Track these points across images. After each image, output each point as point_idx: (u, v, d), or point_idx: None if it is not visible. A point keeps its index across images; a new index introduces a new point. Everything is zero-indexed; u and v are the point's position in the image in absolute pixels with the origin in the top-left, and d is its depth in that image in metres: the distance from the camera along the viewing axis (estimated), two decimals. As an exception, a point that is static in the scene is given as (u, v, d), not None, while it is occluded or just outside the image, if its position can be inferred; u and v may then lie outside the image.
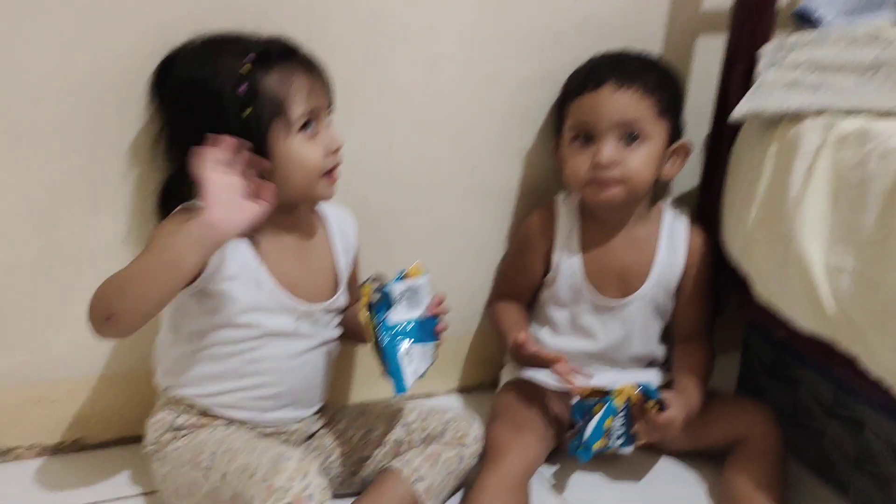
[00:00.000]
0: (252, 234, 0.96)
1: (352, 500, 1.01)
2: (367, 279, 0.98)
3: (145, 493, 1.05)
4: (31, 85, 0.97)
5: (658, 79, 1.15)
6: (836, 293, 0.93)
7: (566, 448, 1.16)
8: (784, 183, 0.99)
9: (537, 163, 1.27)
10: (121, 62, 1.00)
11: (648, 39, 1.25)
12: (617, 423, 1.09)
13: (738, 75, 1.14)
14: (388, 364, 0.96)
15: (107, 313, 0.86)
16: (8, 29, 0.95)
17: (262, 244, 0.99)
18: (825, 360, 1.03)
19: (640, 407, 1.08)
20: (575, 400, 1.11)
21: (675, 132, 1.17)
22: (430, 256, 1.24)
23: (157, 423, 1.01)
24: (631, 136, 1.12)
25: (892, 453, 1.06)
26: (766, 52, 1.10)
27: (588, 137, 1.14)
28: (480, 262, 1.30)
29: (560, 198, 1.22)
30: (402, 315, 0.97)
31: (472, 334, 1.34)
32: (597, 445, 1.09)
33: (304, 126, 0.95)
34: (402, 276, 0.97)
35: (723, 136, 1.18)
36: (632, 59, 1.17)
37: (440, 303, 1.01)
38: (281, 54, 0.95)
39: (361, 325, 0.96)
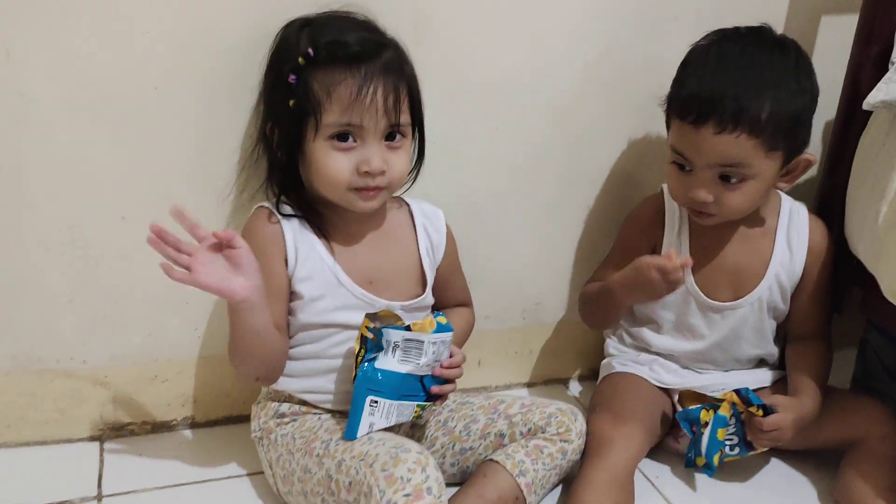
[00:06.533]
0: (325, 231, 0.98)
1: (453, 490, 1.01)
2: (374, 312, 0.95)
3: (251, 474, 1.07)
4: (145, 72, 0.99)
5: (773, 104, 0.99)
6: (981, 299, 0.86)
7: (669, 449, 1.13)
8: (922, 179, 0.92)
9: (641, 150, 1.23)
10: (234, 51, 1.00)
11: (769, 21, 1.18)
12: (729, 433, 1.05)
13: (870, 60, 1.07)
14: (352, 404, 0.94)
15: (254, 379, 1.00)
16: (127, 16, 0.96)
17: (335, 241, 0.99)
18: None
19: (748, 413, 1.04)
20: (679, 409, 1.09)
21: (795, 149, 1.05)
22: (528, 240, 1.24)
23: (262, 410, 1.03)
24: (730, 178, 1.03)
25: None
26: (904, 36, 1.02)
27: (684, 166, 1.06)
28: (578, 246, 1.27)
29: (667, 190, 1.17)
30: (389, 363, 0.93)
31: (569, 322, 1.31)
32: (716, 459, 1.06)
33: (341, 137, 0.93)
34: (406, 327, 0.93)
35: (850, 124, 1.11)
36: (744, 77, 1.00)
37: (451, 367, 0.96)
38: (346, 57, 0.91)
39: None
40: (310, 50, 0.91)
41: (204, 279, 0.86)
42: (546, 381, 1.34)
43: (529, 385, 1.33)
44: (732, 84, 1.00)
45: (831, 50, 1.19)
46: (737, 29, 1.08)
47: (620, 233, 1.21)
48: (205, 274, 0.86)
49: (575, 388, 1.33)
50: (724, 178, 1.03)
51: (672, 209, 1.15)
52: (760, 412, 1.03)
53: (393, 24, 0.99)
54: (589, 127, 1.20)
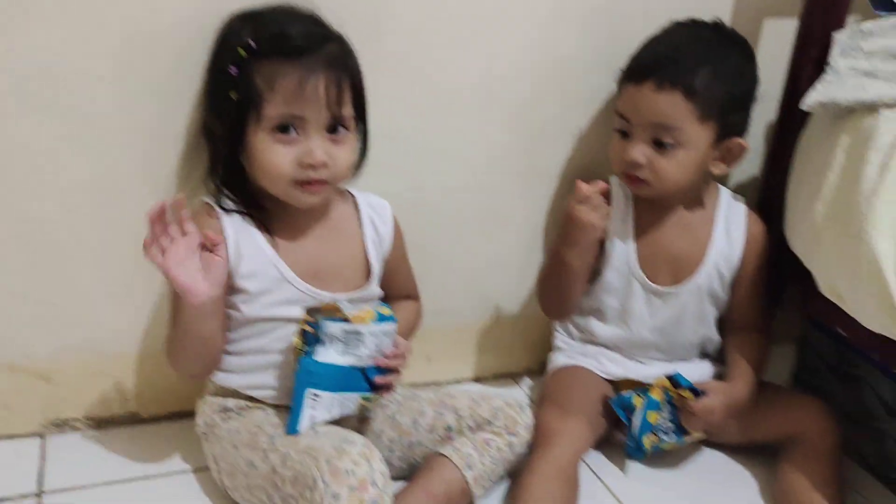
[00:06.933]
0: (267, 225, 0.98)
1: (400, 483, 1.01)
2: (315, 306, 0.95)
3: (196, 470, 1.06)
4: (93, 62, 0.97)
5: (712, 76, 1.06)
6: (909, 294, 0.89)
7: (615, 441, 1.15)
8: (856, 177, 0.95)
9: (594, 145, 1.25)
10: (183, 42, 0.99)
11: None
12: (662, 418, 1.08)
13: (809, 62, 1.10)
14: (293, 398, 0.93)
15: (190, 375, 1.02)
16: (78, 7, 0.95)
17: (278, 234, 0.99)
18: (891, 359, 1.00)
19: (679, 397, 1.07)
20: (613, 396, 1.12)
21: (729, 129, 1.10)
22: (481, 236, 1.25)
23: (208, 404, 1.03)
24: (663, 141, 1.08)
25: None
26: (841, 39, 1.05)
27: (625, 130, 1.11)
28: (531, 244, 1.28)
29: (614, 180, 1.19)
30: (330, 356, 0.93)
31: (519, 318, 1.33)
32: (647, 442, 1.08)
33: (283, 129, 0.93)
34: (345, 319, 0.93)
35: (790, 124, 1.14)
36: (689, 48, 1.09)
37: (395, 357, 0.97)
38: (288, 50, 0.91)
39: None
40: (251, 42, 0.91)
41: (175, 268, 0.88)
42: (496, 375, 1.35)
43: (479, 380, 1.33)
44: (676, 52, 1.08)
45: (773, 52, 1.21)
46: (692, 19, 1.14)
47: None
48: (177, 264, 0.89)
49: (524, 382, 1.34)
50: (659, 145, 1.08)
51: (618, 197, 1.18)
52: (691, 395, 1.06)
53: (353, 19, 0.99)
54: (541, 125, 1.21)
